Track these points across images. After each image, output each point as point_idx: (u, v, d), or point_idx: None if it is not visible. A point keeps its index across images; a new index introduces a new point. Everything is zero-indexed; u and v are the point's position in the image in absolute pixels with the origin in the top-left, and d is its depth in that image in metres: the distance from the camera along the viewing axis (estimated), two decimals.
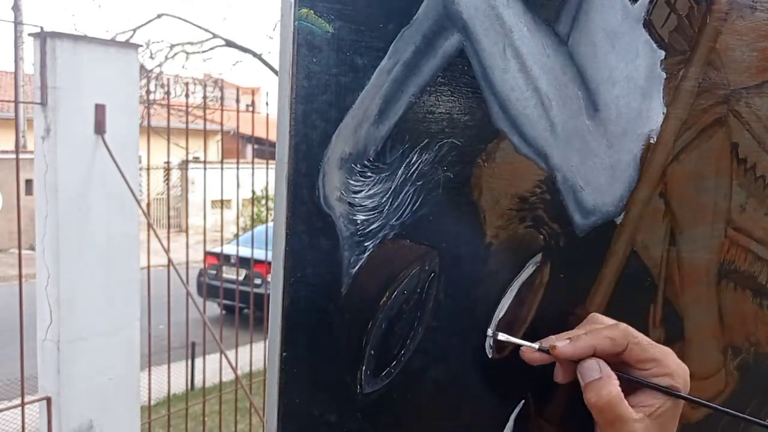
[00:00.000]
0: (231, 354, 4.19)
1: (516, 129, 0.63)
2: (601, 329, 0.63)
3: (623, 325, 0.63)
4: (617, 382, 0.60)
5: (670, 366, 0.62)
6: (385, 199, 0.57)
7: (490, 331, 0.64)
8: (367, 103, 0.55)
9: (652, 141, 0.71)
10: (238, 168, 4.47)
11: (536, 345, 0.62)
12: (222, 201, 4.10)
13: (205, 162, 4.30)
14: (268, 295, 0.57)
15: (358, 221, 0.56)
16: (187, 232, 4.90)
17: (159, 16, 10.60)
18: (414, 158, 0.58)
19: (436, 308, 0.61)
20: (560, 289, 0.67)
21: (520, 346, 0.63)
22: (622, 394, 0.59)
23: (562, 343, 0.61)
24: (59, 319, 3.38)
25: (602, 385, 0.59)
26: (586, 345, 0.61)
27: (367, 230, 0.57)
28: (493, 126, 0.62)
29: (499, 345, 0.64)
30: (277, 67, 0.55)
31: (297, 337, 0.55)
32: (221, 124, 4.40)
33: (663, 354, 0.62)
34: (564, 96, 0.65)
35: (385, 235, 0.57)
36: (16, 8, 11.69)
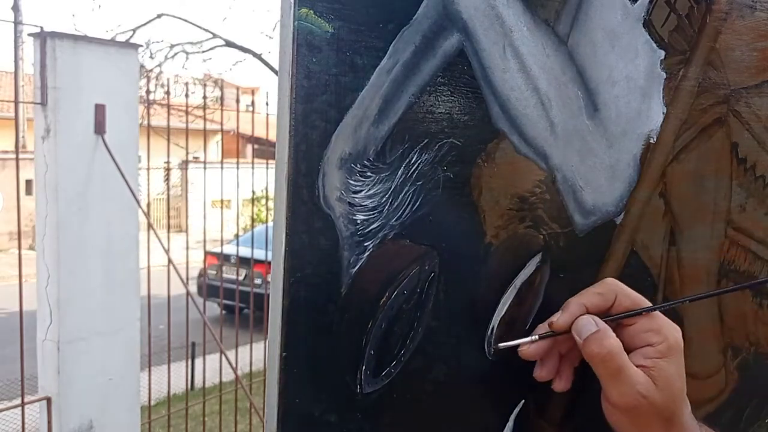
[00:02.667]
0: (231, 354, 4.19)
1: (516, 129, 0.63)
2: (588, 289, 0.63)
3: (610, 279, 0.64)
4: (614, 335, 0.60)
5: (659, 321, 0.62)
6: (385, 199, 0.57)
7: (488, 347, 0.64)
8: (366, 103, 0.55)
9: (652, 141, 0.71)
10: (238, 168, 4.47)
11: (533, 337, 0.63)
12: (222, 201, 4.10)
13: (205, 162, 4.30)
14: (268, 295, 0.57)
15: (358, 221, 0.56)
16: (187, 232, 4.90)
17: (159, 16, 10.58)
18: (414, 158, 0.58)
19: (436, 308, 0.61)
20: (560, 289, 0.67)
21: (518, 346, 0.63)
22: (622, 346, 0.59)
23: (555, 317, 0.62)
24: (59, 319, 3.38)
25: (602, 336, 0.59)
26: (577, 306, 0.62)
27: (367, 230, 0.57)
28: (493, 126, 0.62)
29: (502, 350, 0.65)
30: (277, 67, 0.55)
31: (297, 337, 0.55)
32: (221, 124, 4.40)
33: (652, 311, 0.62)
34: (564, 96, 0.65)
35: (385, 235, 0.57)
36: (16, 8, 11.68)
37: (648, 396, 0.59)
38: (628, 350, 0.60)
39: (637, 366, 0.59)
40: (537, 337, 0.63)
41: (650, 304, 0.63)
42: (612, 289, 0.62)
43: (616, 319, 0.61)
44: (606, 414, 0.62)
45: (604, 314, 0.62)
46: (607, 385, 0.60)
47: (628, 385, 0.59)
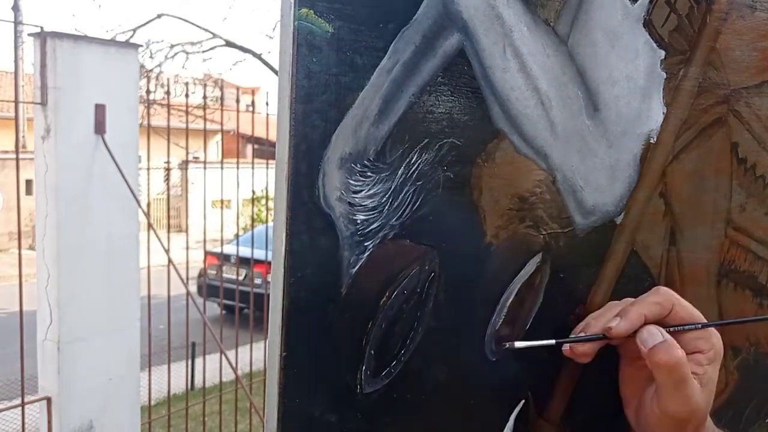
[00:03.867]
0: (231, 354, 4.19)
1: (516, 129, 0.63)
2: (645, 297, 0.64)
3: (663, 288, 0.65)
4: (680, 347, 0.60)
5: (708, 330, 0.63)
6: (385, 199, 0.57)
7: (489, 347, 0.64)
8: (367, 103, 0.55)
9: (652, 141, 0.71)
10: (238, 168, 4.47)
11: (551, 342, 0.63)
12: (222, 201, 4.10)
13: (205, 162, 4.30)
14: (268, 295, 0.57)
15: (358, 221, 0.56)
16: (187, 232, 4.90)
17: (159, 16, 10.58)
18: (414, 158, 0.58)
19: (436, 308, 0.61)
20: (560, 289, 0.67)
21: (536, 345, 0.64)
22: (686, 357, 0.60)
23: (615, 322, 0.62)
24: (59, 319, 3.38)
25: (671, 346, 0.60)
26: (638, 315, 0.62)
27: (367, 230, 0.57)
28: (493, 126, 0.62)
29: (505, 349, 0.64)
30: (277, 67, 0.55)
31: (297, 337, 0.55)
32: (221, 124, 4.40)
33: (701, 317, 0.64)
34: (564, 96, 0.65)
35: (385, 235, 0.57)
36: (16, 8, 11.68)
37: (699, 406, 0.60)
38: None
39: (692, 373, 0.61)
40: (554, 342, 0.63)
41: (703, 318, 0.64)
42: (669, 299, 0.63)
43: (680, 329, 0.62)
44: (647, 419, 0.63)
45: (663, 325, 0.62)
46: (666, 394, 0.60)
47: (687, 397, 0.60)
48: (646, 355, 0.61)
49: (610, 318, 0.63)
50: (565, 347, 0.63)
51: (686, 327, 0.62)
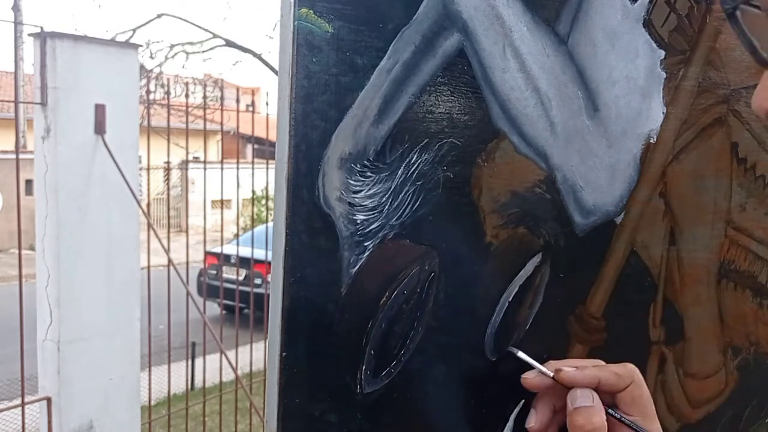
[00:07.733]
0: (231, 354, 4.19)
1: (516, 129, 0.63)
2: (609, 365, 0.64)
3: (631, 366, 0.64)
4: (604, 418, 0.60)
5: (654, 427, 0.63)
6: (385, 199, 0.57)
7: (488, 347, 0.64)
8: (366, 103, 0.55)
9: (652, 141, 0.71)
10: (238, 168, 4.47)
11: (547, 370, 0.63)
12: (222, 201, 4.10)
13: (205, 162, 4.30)
14: (268, 295, 0.57)
15: (358, 221, 0.56)
16: (187, 232, 4.90)
17: (159, 16, 10.59)
18: (414, 158, 0.58)
19: (436, 308, 0.61)
20: (560, 289, 0.67)
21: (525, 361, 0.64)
22: (606, 429, 0.60)
23: (568, 366, 0.62)
24: (59, 319, 3.38)
25: (593, 413, 0.60)
26: (592, 375, 0.62)
27: (367, 230, 0.57)
28: (493, 126, 0.62)
29: (505, 352, 0.65)
30: (277, 67, 0.55)
31: (297, 337, 0.55)
32: (221, 124, 4.40)
33: (653, 413, 0.63)
34: (564, 96, 0.65)
35: (385, 235, 0.57)
36: (16, 8, 11.68)
37: None
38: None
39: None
40: (551, 373, 0.63)
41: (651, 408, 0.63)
42: (630, 374, 0.63)
43: (619, 420, 0.61)
44: None
45: (612, 398, 0.62)
46: None
47: None
48: (569, 413, 0.60)
49: (568, 363, 0.64)
50: (524, 376, 0.64)
51: (622, 419, 0.61)
